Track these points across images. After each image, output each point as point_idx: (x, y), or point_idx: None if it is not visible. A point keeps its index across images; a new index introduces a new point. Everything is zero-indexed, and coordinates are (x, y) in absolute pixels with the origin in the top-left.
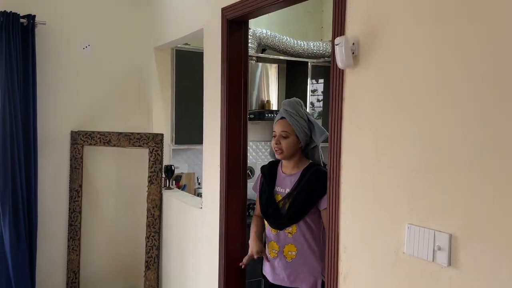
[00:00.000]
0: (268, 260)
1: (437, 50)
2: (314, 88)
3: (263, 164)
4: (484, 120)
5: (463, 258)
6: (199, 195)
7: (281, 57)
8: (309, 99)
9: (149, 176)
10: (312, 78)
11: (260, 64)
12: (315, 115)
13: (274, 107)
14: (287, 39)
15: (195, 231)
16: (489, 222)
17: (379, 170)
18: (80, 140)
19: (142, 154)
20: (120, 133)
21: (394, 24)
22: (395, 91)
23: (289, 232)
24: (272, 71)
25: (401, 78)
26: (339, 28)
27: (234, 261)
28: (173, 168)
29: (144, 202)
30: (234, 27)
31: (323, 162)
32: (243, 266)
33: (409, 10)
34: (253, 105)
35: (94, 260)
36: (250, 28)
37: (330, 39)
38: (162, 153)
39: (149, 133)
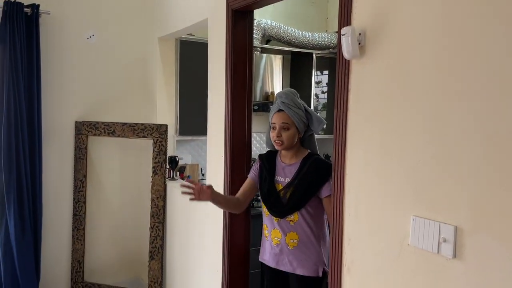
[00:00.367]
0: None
1: (446, 41)
2: (319, 79)
3: (260, 153)
4: (491, 112)
5: (468, 250)
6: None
7: (285, 48)
8: (313, 90)
9: (153, 167)
10: (316, 70)
11: (264, 55)
12: (320, 107)
13: None
14: (291, 30)
15: (199, 221)
16: (495, 214)
17: (385, 162)
18: (85, 131)
19: (146, 145)
20: (125, 123)
21: (401, 14)
22: (402, 82)
23: (290, 220)
24: (277, 62)
25: (408, 69)
26: (345, 18)
27: (237, 252)
28: (177, 159)
29: (148, 192)
30: (239, 17)
31: (325, 155)
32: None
33: (418, 0)
34: (257, 96)
35: (99, 250)
36: (254, 19)
37: (335, 30)
38: (166, 144)
39: (153, 124)
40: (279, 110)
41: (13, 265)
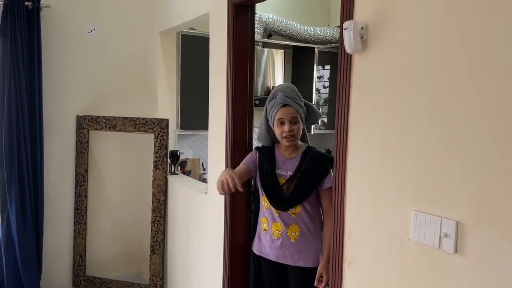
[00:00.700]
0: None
1: (449, 34)
2: (321, 74)
3: (257, 146)
4: (494, 107)
5: (469, 245)
6: (204, 180)
7: (287, 43)
8: (315, 85)
9: (155, 161)
10: (318, 64)
11: (266, 49)
12: (321, 101)
13: None
14: (293, 25)
15: (200, 216)
16: (496, 209)
17: (386, 156)
18: (86, 125)
19: (147, 139)
20: (126, 118)
21: (404, 7)
22: (404, 76)
23: (292, 213)
24: (278, 56)
25: (410, 63)
26: (347, 12)
27: (238, 246)
28: (178, 153)
29: (149, 187)
30: (241, 11)
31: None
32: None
33: None
34: (259, 91)
35: (100, 244)
36: (256, 13)
37: (337, 24)
38: (167, 138)
39: (155, 118)
40: (285, 105)
41: (15, 259)
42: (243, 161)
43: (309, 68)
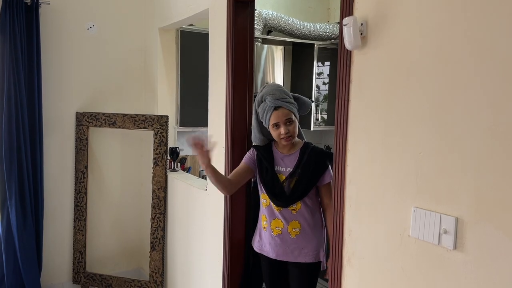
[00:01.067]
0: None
1: (450, 30)
2: (320, 70)
3: (254, 144)
4: (495, 103)
5: (469, 241)
6: (204, 177)
7: (287, 39)
8: (315, 82)
9: (154, 158)
10: (318, 61)
11: (265, 46)
12: (321, 98)
13: None
14: (293, 21)
15: (200, 212)
16: (496, 206)
17: (386, 153)
18: (85, 122)
19: (147, 136)
20: (125, 114)
21: (404, 3)
22: (404, 72)
23: (293, 209)
24: (278, 53)
25: (410, 60)
26: (347, 8)
27: (238, 242)
28: (178, 150)
29: (149, 183)
30: (240, 7)
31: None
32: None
33: None
34: (258, 87)
35: (100, 241)
36: (256, 9)
37: (337, 20)
38: (167, 135)
39: (154, 115)
40: (276, 108)
41: (15, 255)
42: (242, 160)
43: (309, 64)
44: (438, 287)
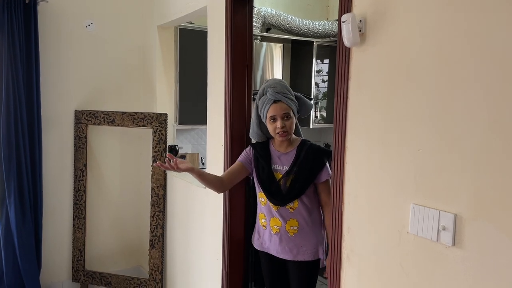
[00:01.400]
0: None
1: (449, 27)
2: (319, 68)
3: (252, 142)
4: (494, 100)
5: (467, 238)
6: None
7: (286, 37)
8: (313, 79)
9: (153, 156)
10: (317, 58)
11: (264, 43)
12: (320, 95)
13: None
14: (292, 18)
15: (199, 210)
16: (495, 202)
17: (385, 150)
18: (84, 120)
19: (146, 134)
20: (124, 112)
21: (403, 0)
22: (403, 69)
23: (290, 208)
24: (277, 50)
25: (409, 57)
26: (346, 5)
27: (237, 239)
28: (177, 148)
29: (148, 181)
30: (239, 4)
31: (325, 144)
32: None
33: None
34: (257, 85)
35: (99, 238)
36: (254, 7)
37: (336, 18)
38: (166, 133)
39: (153, 113)
40: (276, 101)
41: (14, 254)
42: (238, 158)
43: (308, 62)
44: (437, 283)
